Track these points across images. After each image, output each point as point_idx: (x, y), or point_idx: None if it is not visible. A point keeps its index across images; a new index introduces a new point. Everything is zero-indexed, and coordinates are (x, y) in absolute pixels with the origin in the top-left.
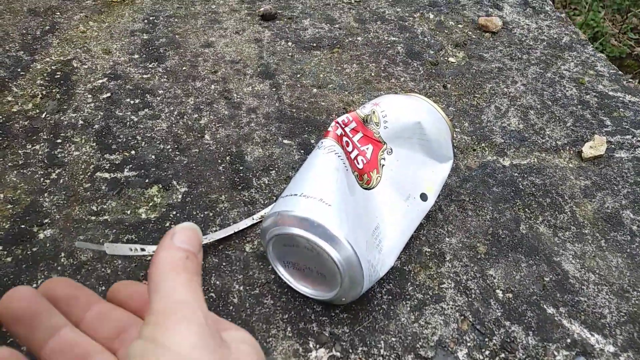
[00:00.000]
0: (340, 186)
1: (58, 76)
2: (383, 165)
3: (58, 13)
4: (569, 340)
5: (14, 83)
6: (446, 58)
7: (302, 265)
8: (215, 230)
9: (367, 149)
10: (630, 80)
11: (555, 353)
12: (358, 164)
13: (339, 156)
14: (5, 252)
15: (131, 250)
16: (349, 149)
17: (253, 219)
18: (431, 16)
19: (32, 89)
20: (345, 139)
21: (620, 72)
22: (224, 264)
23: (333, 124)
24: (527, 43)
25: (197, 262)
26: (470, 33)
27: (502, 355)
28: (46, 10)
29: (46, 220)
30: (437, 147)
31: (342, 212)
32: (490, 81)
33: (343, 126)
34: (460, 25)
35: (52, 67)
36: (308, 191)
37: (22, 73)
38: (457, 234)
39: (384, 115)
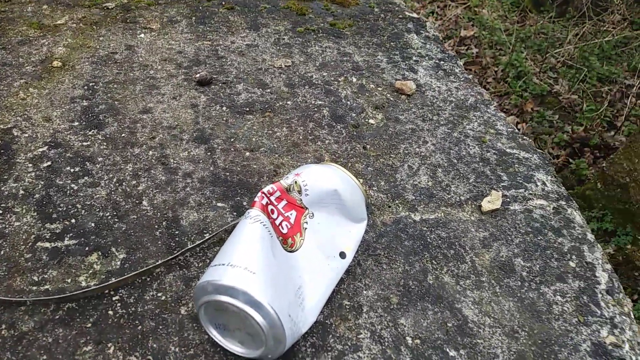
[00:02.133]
0: (264, 253)
1: None
2: (305, 228)
3: None
4: None
5: None
6: (367, 120)
7: (231, 326)
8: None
9: (291, 214)
10: (525, 137)
11: None
12: (282, 229)
13: (264, 225)
14: None
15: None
16: (274, 216)
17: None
18: (354, 80)
19: None
20: (270, 207)
21: (516, 130)
22: (160, 327)
23: (259, 194)
24: (438, 105)
25: None
26: (388, 95)
27: None
28: None
29: None
30: (352, 210)
31: (266, 278)
32: (404, 142)
33: (269, 195)
34: (379, 88)
35: None
36: (235, 260)
37: None
38: (373, 287)
39: (305, 184)
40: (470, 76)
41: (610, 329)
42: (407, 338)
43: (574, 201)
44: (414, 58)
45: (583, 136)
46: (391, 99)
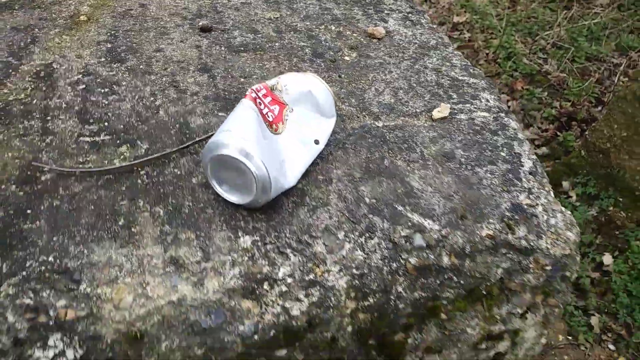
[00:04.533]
0: (255, 130)
1: (42, 75)
2: (287, 119)
3: (37, 29)
4: (410, 224)
5: (8, 80)
6: (342, 57)
7: (231, 181)
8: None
9: (275, 108)
10: (475, 68)
11: (401, 231)
12: (269, 117)
13: (254, 110)
14: (18, 189)
15: None
16: (262, 107)
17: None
18: (333, 27)
19: (23, 84)
20: (258, 100)
21: (470, 64)
22: (177, 190)
23: (249, 90)
24: (403, 46)
25: None
26: (362, 39)
27: (367, 234)
28: (26, 27)
29: (46, 168)
30: (324, 108)
31: (257, 144)
32: (373, 72)
33: (257, 92)
34: (354, 34)
35: (37, 69)
36: (233, 129)
37: (12, 73)
38: (341, 167)
39: (285, 85)
40: (435, 26)
41: (527, 195)
42: (366, 198)
43: (514, 115)
44: (386, 11)
45: (570, 111)
46: (364, 42)
